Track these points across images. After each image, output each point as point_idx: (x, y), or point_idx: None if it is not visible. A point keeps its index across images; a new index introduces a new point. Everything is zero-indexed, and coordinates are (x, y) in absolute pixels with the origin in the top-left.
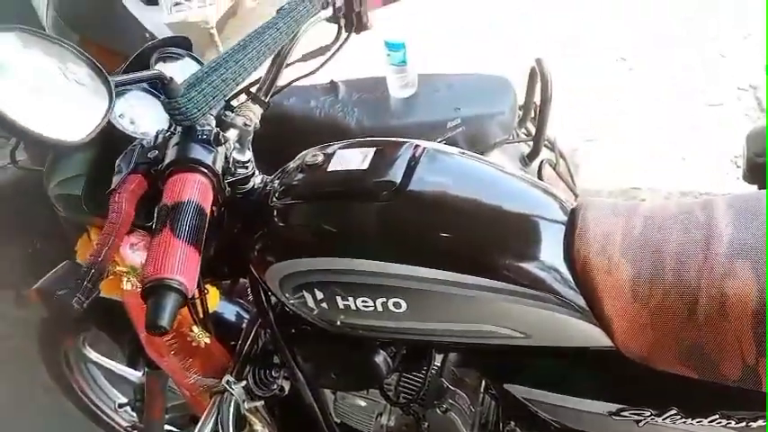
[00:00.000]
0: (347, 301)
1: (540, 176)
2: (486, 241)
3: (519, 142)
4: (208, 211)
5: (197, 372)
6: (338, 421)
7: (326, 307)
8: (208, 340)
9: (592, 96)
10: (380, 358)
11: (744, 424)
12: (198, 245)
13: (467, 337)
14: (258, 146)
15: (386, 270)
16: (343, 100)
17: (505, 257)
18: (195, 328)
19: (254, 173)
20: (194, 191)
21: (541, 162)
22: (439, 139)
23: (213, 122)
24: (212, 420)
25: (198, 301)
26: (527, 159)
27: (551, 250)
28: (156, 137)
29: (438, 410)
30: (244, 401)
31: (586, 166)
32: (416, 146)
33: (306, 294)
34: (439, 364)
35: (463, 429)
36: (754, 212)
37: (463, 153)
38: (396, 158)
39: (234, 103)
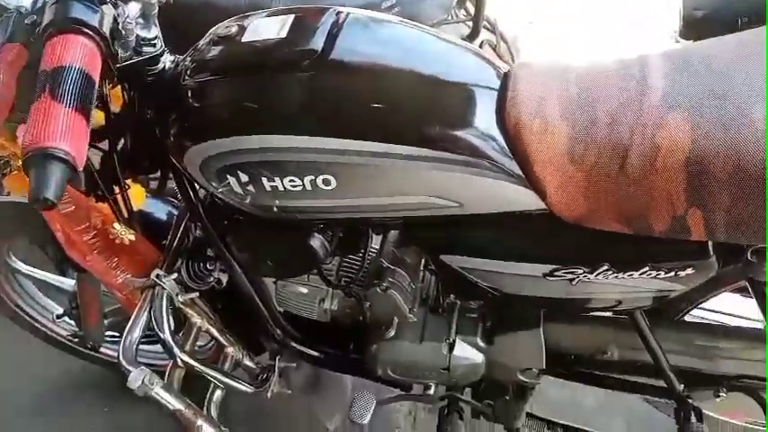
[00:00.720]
0: (273, 181)
1: None
2: (414, 109)
3: (458, 23)
4: (96, 77)
5: (125, 270)
6: (281, 310)
7: (253, 190)
8: (132, 237)
9: None
10: (317, 242)
11: (672, 273)
12: (85, 112)
13: (400, 211)
14: (178, 36)
15: (311, 145)
16: None
17: (435, 125)
18: (117, 225)
19: (163, 51)
20: (77, 53)
21: (481, 43)
22: None
23: None
24: (144, 316)
25: (119, 197)
26: (468, 40)
27: (483, 115)
28: (35, 2)
29: (378, 289)
30: (177, 294)
31: (526, 50)
32: (339, 11)
33: (230, 178)
34: (378, 246)
35: (404, 305)
36: (688, 62)
37: (390, 19)
38: (317, 25)
39: None
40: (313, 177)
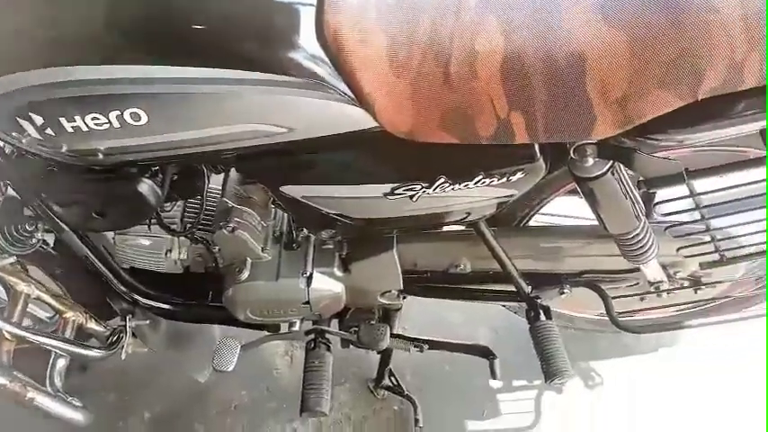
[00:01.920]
0: (74, 121)
1: None
2: (223, 27)
3: None
4: None
5: None
6: (126, 267)
7: (53, 133)
8: None
9: None
10: (145, 187)
11: (505, 179)
12: None
13: (226, 143)
14: None
15: (110, 75)
16: None
17: (250, 43)
18: None
19: None
20: None
21: None
22: None
23: None
24: None
25: None
26: None
27: (301, 31)
28: None
29: (225, 231)
30: None
31: None
32: None
33: (22, 122)
34: (221, 187)
35: (255, 245)
36: None
37: None
38: None
39: None
40: (119, 112)
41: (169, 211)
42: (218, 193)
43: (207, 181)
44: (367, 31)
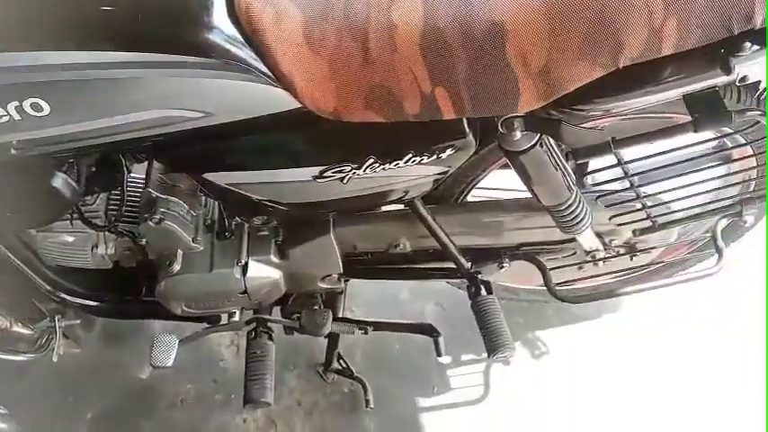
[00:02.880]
0: None
1: None
2: (129, 7)
3: None
4: None
5: None
6: (53, 265)
7: None
8: None
9: None
10: (59, 181)
11: (435, 157)
12: None
13: (140, 130)
14: None
15: (3, 63)
16: None
17: (156, 24)
18: None
19: None
20: None
21: None
22: None
23: None
24: None
25: None
26: None
27: (213, 8)
28: None
29: (151, 223)
30: None
31: None
32: None
33: None
34: (144, 176)
35: (184, 235)
36: None
37: None
38: None
39: None
40: (18, 103)
41: (92, 204)
42: (141, 183)
43: (126, 171)
44: (280, 7)
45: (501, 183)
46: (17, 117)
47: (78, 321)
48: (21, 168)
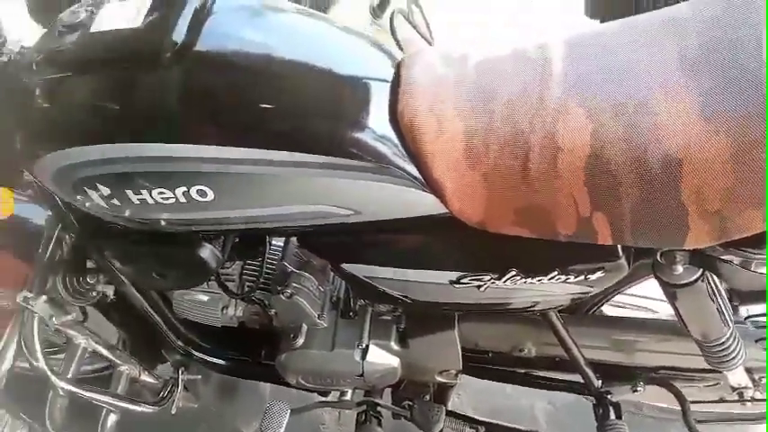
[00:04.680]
0: (140, 194)
1: (392, 29)
2: (296, 109)
3: None
4: None
5: None
6: (182, 317)
7: (118, 203)
8: None
9: None
10: (206, 252)
11: (582, 277)
12: None
13: (290, 221)
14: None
15: (177, 153)
16: None
17: (318, 126)
18: None
19: (3, 42)
20: None
21: (393, 13)
22: None
23: None
24: (14, 343)
25: None
26: (377, 10)
27: (374, 113)
28: None
29: (283, 296)
30: (51, 317)
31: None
32: None
33: (89, 192)
34: (281, 248)
35: (312, 311)
36: (592, 45)
37: (269, 1)
38: (178, 11)
39: None
40: (185, 189)
41: (228, 268)
42: (278, 252)
43: (268, 247)
44: (443, 117)
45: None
46: (182, 200)
47: (199, 377)
48: (169, 236)
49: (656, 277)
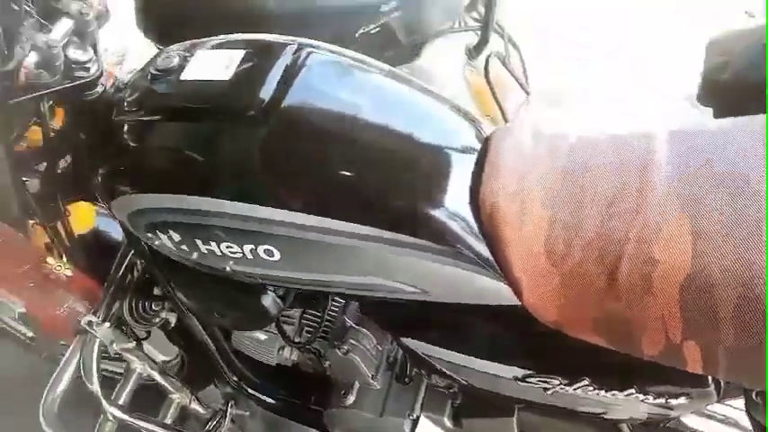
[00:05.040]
0: (209, 245)
1: (486, 73)
2: (372, 182)
3: (465, 31)
4: None
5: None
6: (238, 351)
7: (187, 249)
8: (69, 272)
9: None
10: (268, 300)
11: (662, 400)
12: None
13: (354, 290)
14: (156, 20)
15: (251, 213)
16: None
17: (394, 202)
18: (51, 260)
19: (100, 75)
20: None
21: (489, 56)
22: (372, 27)
23: None
24: (73, 365)
25: (59, 225)
26: (473, 52)
27: (455, 192)
28: None
29: (339, 351)
30: (112, 343)
31: (543, 60)
32: (298, 49)
33: (160, 235)
34: (343, 302)
35: (366, 371)
36: (702, 144)
37: (360, 62)
38: (269, 67)
39: None
40: (253, 247)
41: (288, 311)
42: (339, 305)
43: (330, 300)
44: (527, 208)
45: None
46: (249, 256)
47: (248, 413)
48: (233, 282)
49: (748, 414)
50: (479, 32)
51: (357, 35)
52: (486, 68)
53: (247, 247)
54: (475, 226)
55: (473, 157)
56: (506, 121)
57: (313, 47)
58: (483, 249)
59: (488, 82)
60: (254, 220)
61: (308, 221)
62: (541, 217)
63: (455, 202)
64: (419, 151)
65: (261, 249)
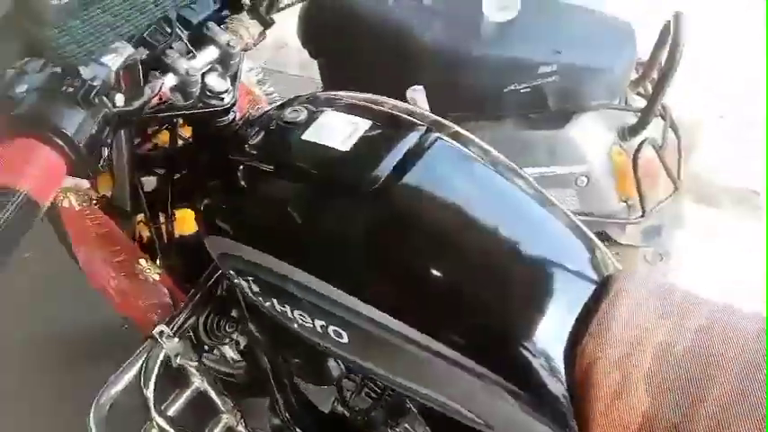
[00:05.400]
0: (284, 307)
1: (635, 159)
2: (466, 301)
3: (624, 110)
4: (46, 200)
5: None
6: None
7: (262, 301)
8: (157, 277)
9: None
10: (332, 362)
11: None
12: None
13: (418, 397)
14: (316, 32)
15: (334, 297)
16: (427, 7)
17: (484, 330)
18: (143, 262)
19: (232, 105)
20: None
21: (643, 141)
22: (524, 86)
23: (106, 69)
24: (134, 368)
25: (162, 227)
26: (627, 134)
27: (553, 334)
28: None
29: (389, 431)
30: (177, 356)
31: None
32: (426, 132)
33: (242, 280)
34: None
35: None
36: None
37: (489, 160)
38: (390, 145)
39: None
40: (324, 324)
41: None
42: None
43: None
44: (628, 386)
45: None
46: (319, 331)
47: None
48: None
49: None
50: (639, 114)
51: (505, 90)
52: (635, 156)
53: (319, 323)
54: (564, 380)
55: (584, 297)
56: (644, 211)
57: (443, 130)
58: (565, 409)
59: (635, 170)
60: (336, 304)
61: (389, 323)
62: (641, 401)
63: (550, 346)
64: (526, 277)
65: (331, 329)
